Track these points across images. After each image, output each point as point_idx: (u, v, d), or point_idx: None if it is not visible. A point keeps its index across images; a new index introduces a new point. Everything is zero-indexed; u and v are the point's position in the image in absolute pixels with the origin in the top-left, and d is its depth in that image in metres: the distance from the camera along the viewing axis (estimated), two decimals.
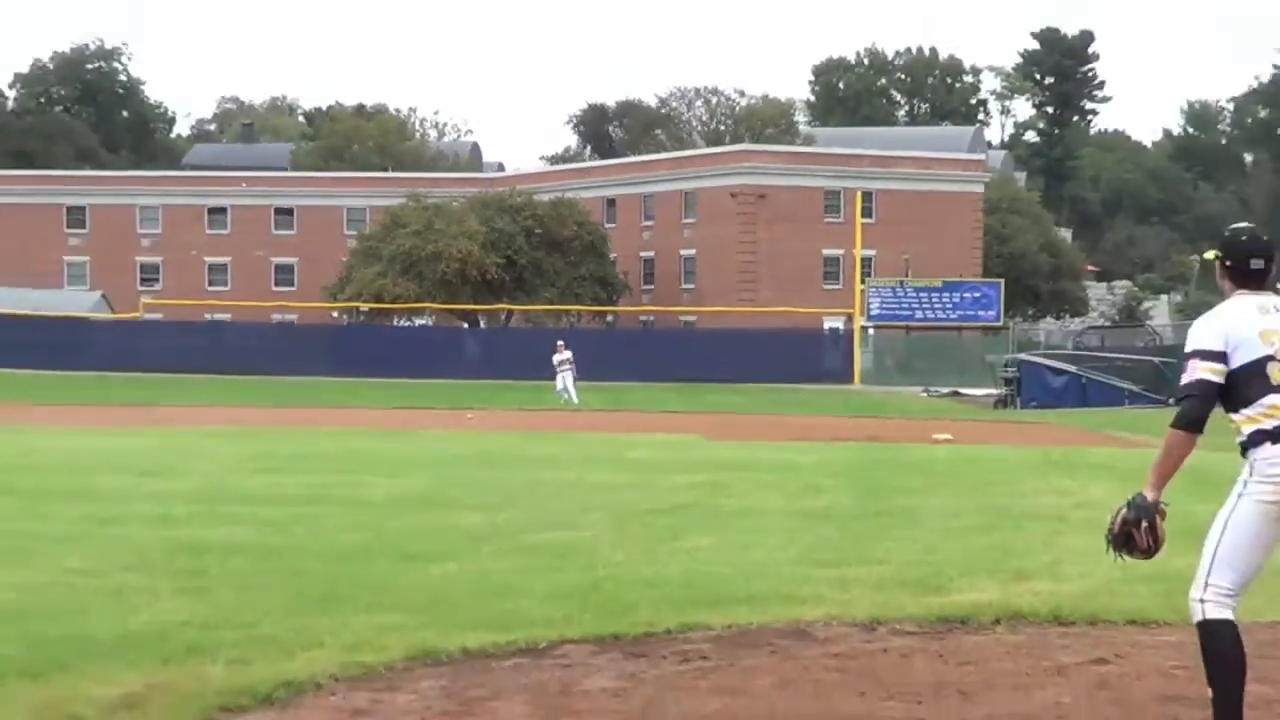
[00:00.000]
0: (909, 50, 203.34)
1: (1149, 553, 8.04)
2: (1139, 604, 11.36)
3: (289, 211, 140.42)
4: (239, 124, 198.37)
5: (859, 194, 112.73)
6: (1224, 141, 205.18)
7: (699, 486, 23.71)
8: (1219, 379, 7.78)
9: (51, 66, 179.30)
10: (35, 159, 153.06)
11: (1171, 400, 45.30)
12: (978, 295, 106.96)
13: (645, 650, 11.11)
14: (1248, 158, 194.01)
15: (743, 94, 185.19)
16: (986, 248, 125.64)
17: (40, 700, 9.10)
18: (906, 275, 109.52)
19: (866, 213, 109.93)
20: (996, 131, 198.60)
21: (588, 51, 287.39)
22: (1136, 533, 7.95)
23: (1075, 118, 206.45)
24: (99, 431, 38.12)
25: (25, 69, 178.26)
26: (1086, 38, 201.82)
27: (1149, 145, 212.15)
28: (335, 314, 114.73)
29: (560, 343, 72.59)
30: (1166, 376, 56.97)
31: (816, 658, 11.00)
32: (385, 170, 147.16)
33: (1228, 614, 7.79)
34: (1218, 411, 7.74)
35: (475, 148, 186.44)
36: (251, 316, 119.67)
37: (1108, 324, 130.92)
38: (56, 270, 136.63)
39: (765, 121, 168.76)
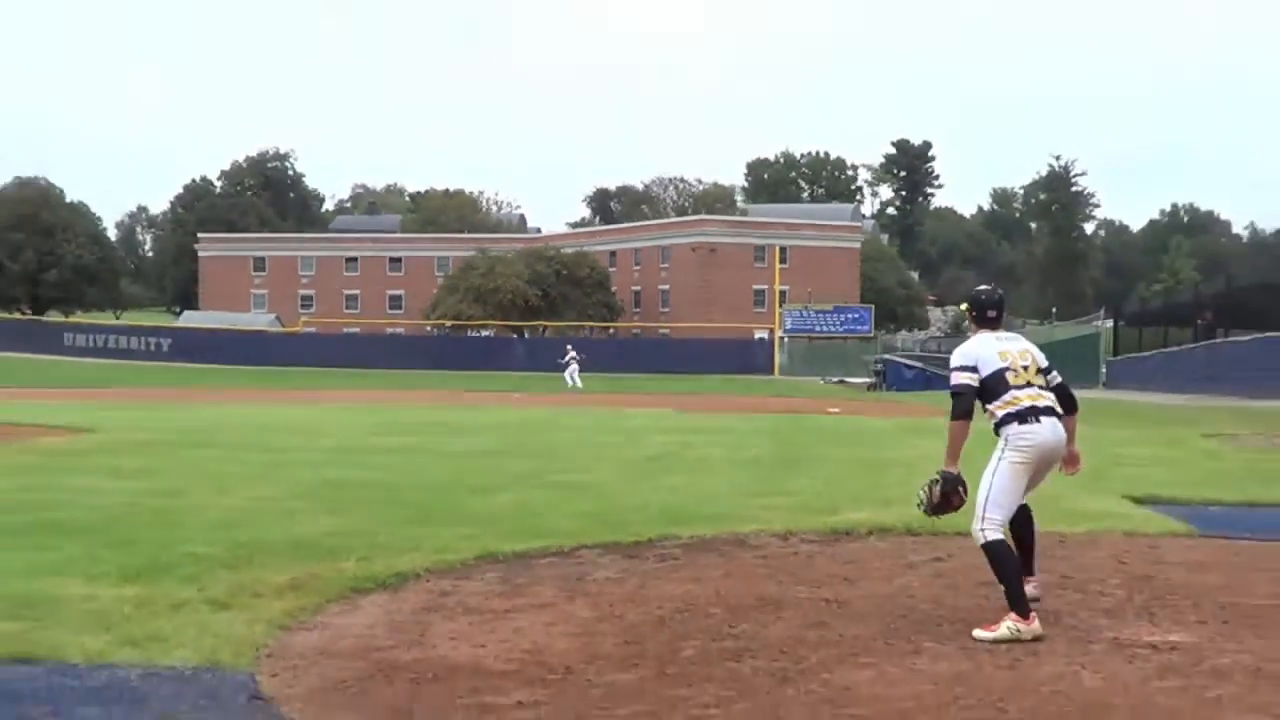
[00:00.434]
0: (810, 153, 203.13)
1: (959, 507, 8.27)
2: (962, 523, 11.46)
3: (399, 260, 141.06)
4: (366, 202, 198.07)
5: (777, 248, 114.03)
6: (1017, 214, 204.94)
7: (671, 444, 23.66)
8: (975, 384, 8.28)
9: (245, 165, 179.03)
10: (234, 226, 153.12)
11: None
12: (856, 315, 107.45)
13: (635, 553, 11.11)
14: (1033, 225, 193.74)
15: (700, 181, 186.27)
16: (862, 284, 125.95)
17: (235, 583, 9.11)
18: (809, 302, 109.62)
19: (783, 261, 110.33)
20: (868, 207, 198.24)
21: (597, 153, 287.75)
22: (955, 497, 8.21)
23: (919, 198, 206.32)
24: (273, 406, 38.08)
25: (228, 167, 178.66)
26: (926, 145, 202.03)
27: (968, 216, 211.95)
28: (429, 329, 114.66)
29: (569, 347, 72.52)
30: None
31: (750, 558, 11.00)
32: (462, 233, 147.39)
33: (1000, 535, 8.08)
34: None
35: (522, 217, 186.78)
36: (373, 330, 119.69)
37: (942, 335, 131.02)
38: (246, 299, 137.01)
39: (714, 200, 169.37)
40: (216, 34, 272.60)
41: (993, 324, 8.66)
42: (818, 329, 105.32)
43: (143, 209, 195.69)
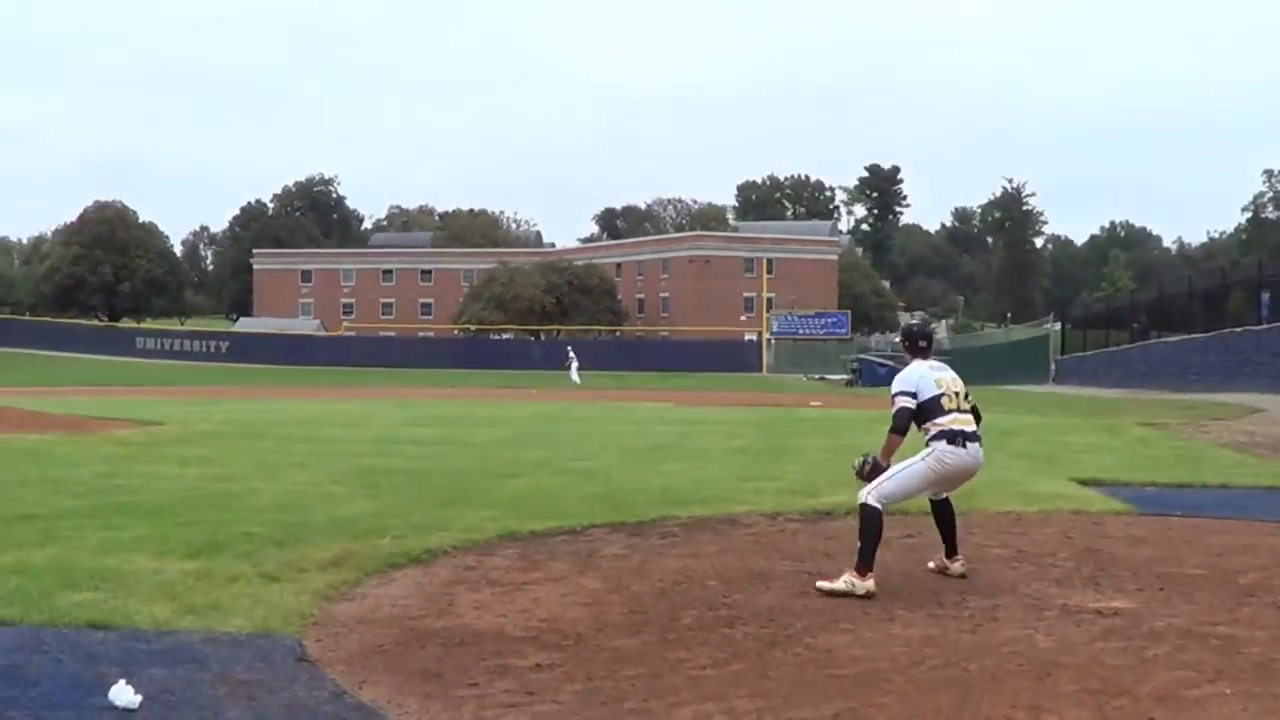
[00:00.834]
0: (792, 176, 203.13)
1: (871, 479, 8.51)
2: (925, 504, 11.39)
3: (429, 272, 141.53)
4: (400, 221, 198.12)
5: (765, 260, 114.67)
6: (976, 230, 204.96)
7: (670, 433, 23.63)
8: (913, 406, 8.54)
9: (294, 189, 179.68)
10: (284, 243, 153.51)
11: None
12: (835, 320, 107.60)
13: (640, 531, 11.08)
14: (989, 240, 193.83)
15: (695, 201, 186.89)
16: (839, 292, 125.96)
17: (283, 559, 9.08)
18: (793, 308, 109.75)
19: (769, 271, 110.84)
20: (844, 224, 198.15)
21: (605, 176, 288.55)
22: (877, 473, 8.46)
23: (889, 216, 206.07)
24: (318, 401, 38.08)
25: (279, 191, 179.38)
26: (895, 169, 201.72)
27: (932, 231, 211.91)
28: (456, 332, 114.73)
29: (569, 349, 72.72)
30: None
31: (741, 535, 10.97)
32: (485, 248, 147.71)
33: (880, 507, 8.38)
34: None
35: (538, 233, 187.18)
36: (406, 334, 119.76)
37: None
38: (294, 307, 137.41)
39: (708, 218, 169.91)
40: (269, 76, 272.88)
41: (924, 353, 8.97)
42: (801, 332, 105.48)
43: (205, 228, 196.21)
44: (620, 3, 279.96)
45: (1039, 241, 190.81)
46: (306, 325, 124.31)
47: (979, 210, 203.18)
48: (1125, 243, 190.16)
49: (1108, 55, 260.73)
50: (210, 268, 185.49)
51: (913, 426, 8.55)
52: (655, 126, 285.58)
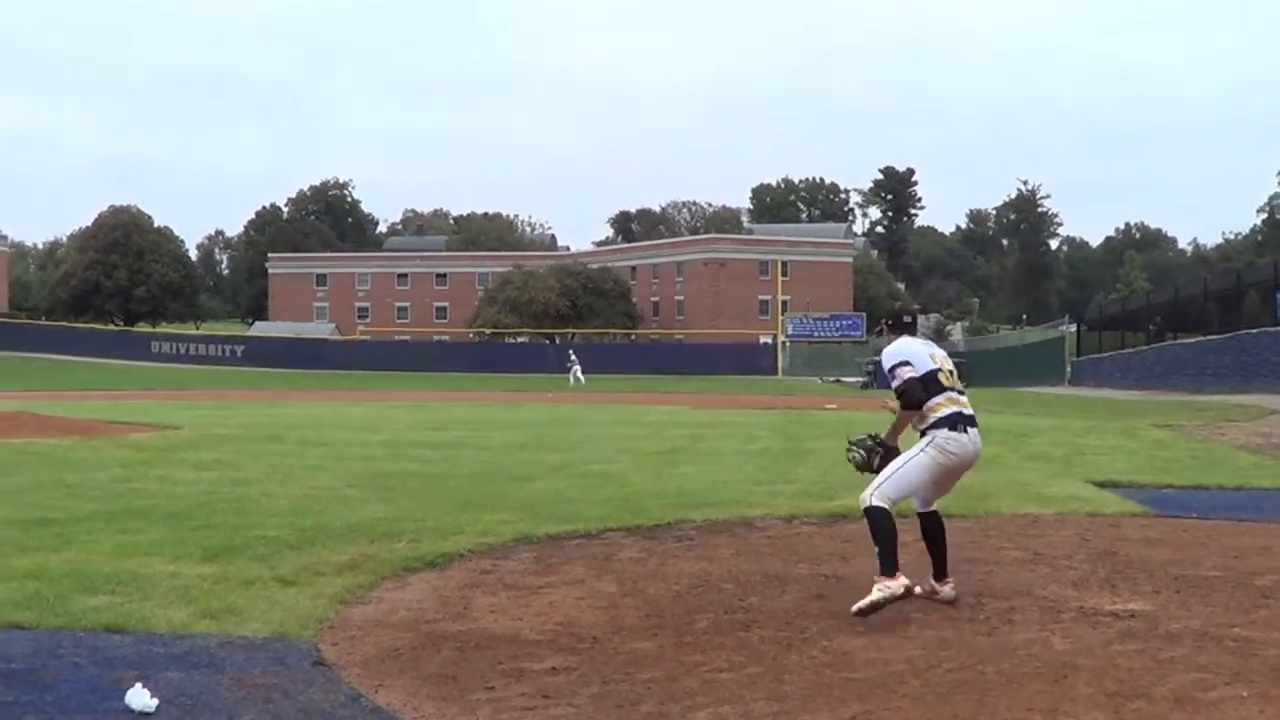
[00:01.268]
0: (807, 178, 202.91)
1: (879, 471, 7.93)
2: (943, 505, 11.38)
3: (444, 276, 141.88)
4: (415, 225, 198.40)
5: (780, 263, 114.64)
6: (991, 232, 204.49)
7: (686, 436, 23.64)
8: (917, 375, 7.75)
9: (309, 193, 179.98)
10: (299, 247, 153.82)
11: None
12: (850, 322, 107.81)
13: (655, 534, 11.07)
14: (1004, 242, 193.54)
15: (710, 204, 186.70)
16: (854, 295, 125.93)
17: (299, 562, 9.10)
18: (808, 311, 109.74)
19: (784, 274, 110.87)
20: (859, 226, 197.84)
21: (619, 179, 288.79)
22: (889, 459, 7.91)
23: (904, 218, 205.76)
24: (333, 406, 38.14)
25: (294, 195, 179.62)
26: (909, 172, 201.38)
27: (947, 234, 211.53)
28: (471, 336, 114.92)
29: (570, 353, 72.83)
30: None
31: (757, 538, 10.95)
32: (500, 251, 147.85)
33: (886, 506, 7.69)
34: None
35: (553, 237, 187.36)
36: (421, 338, 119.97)
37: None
38: (310, 311, 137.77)
39: (723, 220, 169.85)
40: (283, 80, 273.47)
41: (910, 330, 8.21)
42: (816, 334, 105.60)
43: (220, 232, 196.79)
44: (637, 5, 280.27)
45: (1054, 243, 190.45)
46: (322, 329, 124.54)
47: (994, 212, 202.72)
48: (1140, 244, 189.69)
49: (1122, 56, 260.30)
50: (225, 272, 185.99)
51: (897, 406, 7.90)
52: (669, 129, 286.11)
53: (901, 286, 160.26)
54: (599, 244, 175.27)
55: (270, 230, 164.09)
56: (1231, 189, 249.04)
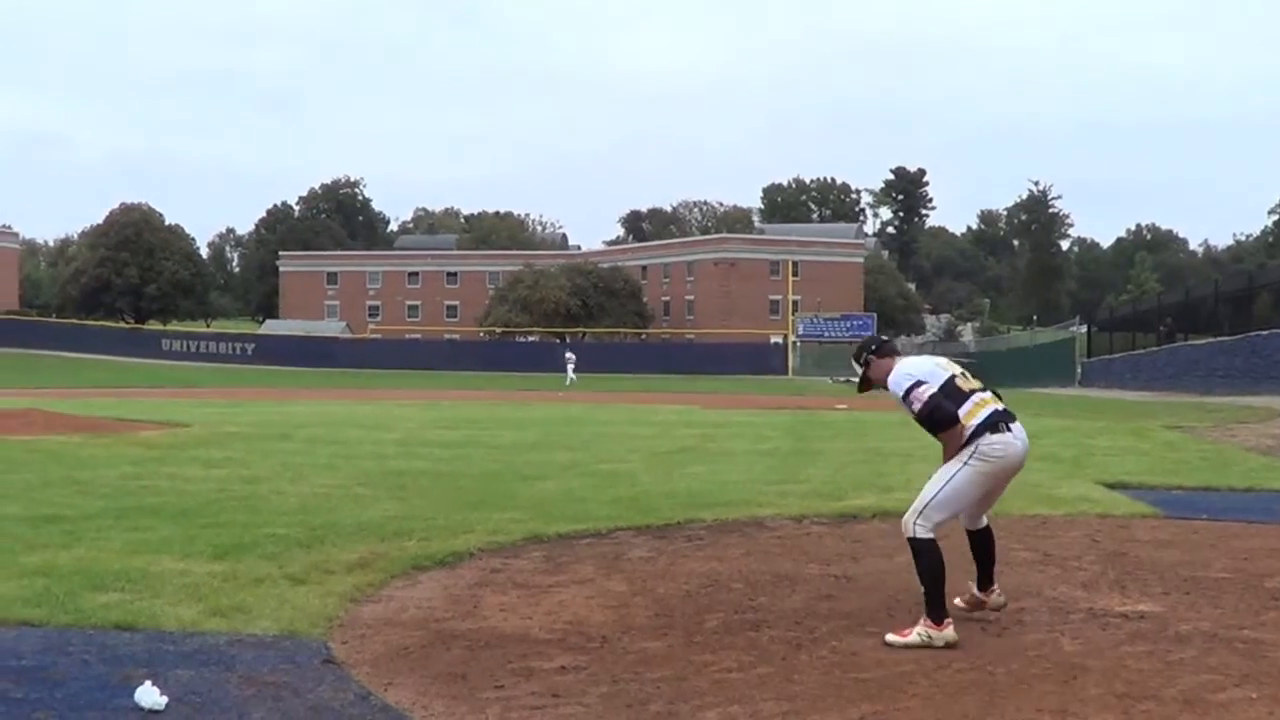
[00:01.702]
0: (818, 178, 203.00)
1: None
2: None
3: (455, 274, 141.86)
4: (426, 224, 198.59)
5: (790, 263, 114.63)
6: (1002, 233, 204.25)
7: (696, 436, 23.62)
8: (937, 390, 7.05)
9: (320, 191, 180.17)
10: (310, 245, 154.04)
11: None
12: (861, 323, 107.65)
13: (665, 534, 11.06)
14: (1015, 242, 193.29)
15: (721, 204, 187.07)
16: (865, 295, 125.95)
17: (309, 561, 9.11)
18: (819, 311, 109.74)
19: (795, 274, 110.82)
20: (870, 226, 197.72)
21: (630, 179, 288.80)
22: None
23: (915, 219, 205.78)
24: (343, 404, 38.18)
25: (305, 193, 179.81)
26: (920, 172, 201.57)
27: (958, 234, 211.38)
28: (482, 334, 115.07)
29: (567, 353, 72.80)
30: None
31: (767, 538, 10.95)
32: (511, 250, 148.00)
33: (933, 536, 7.01)
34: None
35: (564, 236, 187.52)
36: (432, 337, 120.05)
37: (936, 339, 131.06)
38: (320, 309, 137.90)
39: (734, 220, 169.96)
40: (294, 78, 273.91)
41: (893, 351, 7.53)
42: (826, 335, 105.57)
43: (231, 230, 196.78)
44: (646, 4, 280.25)
45: (1065, 244, 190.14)
46: (332, 328, 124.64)
47: (1005, 213, 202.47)
48: (1151, 245, 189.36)
49: (1133, 57, 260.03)
50: (236, 270, 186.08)
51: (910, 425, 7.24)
52: (680, 129, 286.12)
53: (912, 287, 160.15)
54: (610, 243, 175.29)
55: (281, 229, 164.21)
56: (1242, 190, 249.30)
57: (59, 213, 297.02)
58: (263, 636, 6.96)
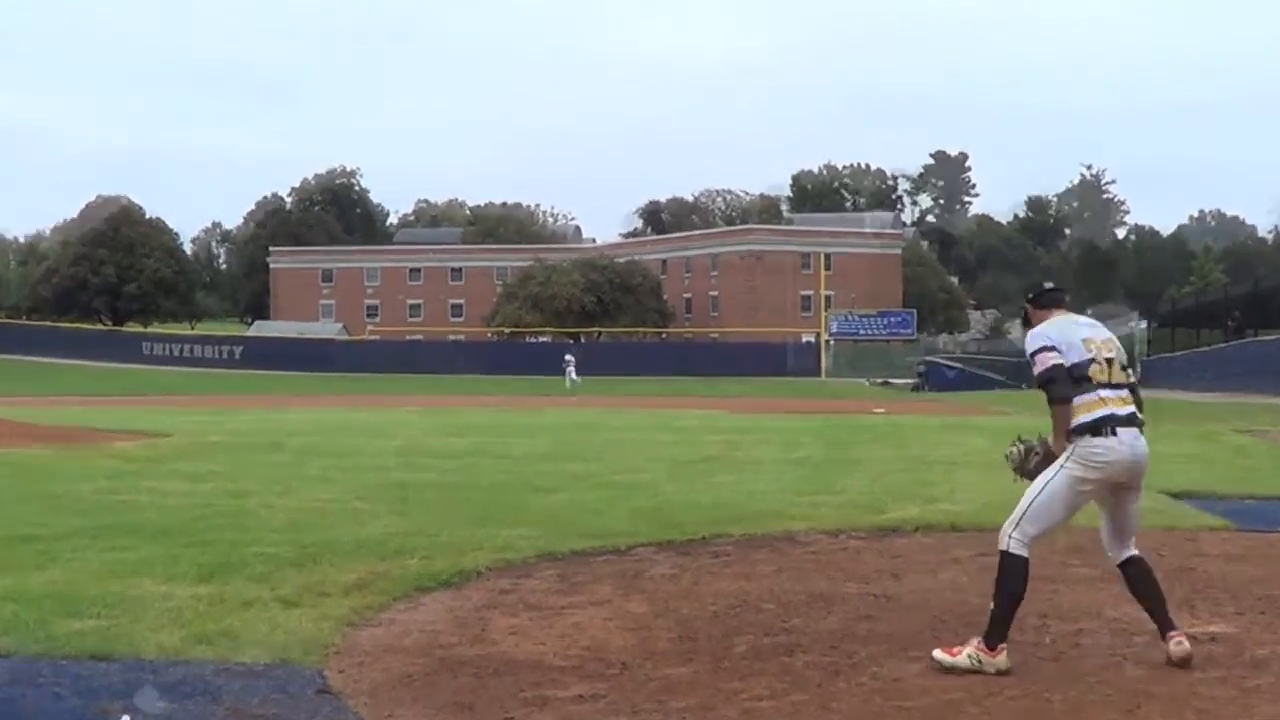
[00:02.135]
0: (851, 164, 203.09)
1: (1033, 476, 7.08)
2: (992, 513, 11.32)
3: (459, 270, 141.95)
4: (428, 216, 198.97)
5: (822, 255, 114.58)
6: (1052, 220, 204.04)
7: (722, 443, 23.63)
8: (1065, 363, 6.82)
9: (314, 182, 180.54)
10: (303, 240, 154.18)
11: (1025, 386, 45.16)
12: (899, 319, 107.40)
13: (689, 550, 11.06)
14: (1067, 231, 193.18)
15: (747, 193, 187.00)
16: (904, 289, 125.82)
17: (302, 582, 9.10)
18: (853, 307, 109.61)
19: (827, 267, 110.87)
20: (908, 215, 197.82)
21: (648, 167, 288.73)
22: (1048, 463, 6.96)
23: (957, 206, 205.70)
24: (340, 411, 38.25)
25: (297, 184, 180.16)
26: (963, 156, 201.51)
27: (1005, 223, 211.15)
28: (489, 335, 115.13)
29: (567, 355, 72.91)
30: (1022, 371, 56.95)
31: (800, 554, 10.93)
32: (520, 244, 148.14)
33: (1026, 554, 6.90)
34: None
35: (577, 229, 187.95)
36: (435, 338, 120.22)
37: (982, 337, 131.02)
38: (315, 310, 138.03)
39: (761, 210, 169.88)
40: (285, 61, 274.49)
41: (1058, 303, 7.24)
42: (862, 332, 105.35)
43: (217, 225, 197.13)
44: None
45: (1121, 232, 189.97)
46: (328, 329, 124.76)
47: (1055, 199, 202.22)
48: (1216, 233, 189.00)
49: (1193, 30, 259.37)
50: (224, 267, 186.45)
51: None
52: (700, 114, 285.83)
53: (955, 280, 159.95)
54: (627, 236, 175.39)
55: (272, 223, 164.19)
56: None
57: (30, 208, 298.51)
58: (252, 665, 6.93)
